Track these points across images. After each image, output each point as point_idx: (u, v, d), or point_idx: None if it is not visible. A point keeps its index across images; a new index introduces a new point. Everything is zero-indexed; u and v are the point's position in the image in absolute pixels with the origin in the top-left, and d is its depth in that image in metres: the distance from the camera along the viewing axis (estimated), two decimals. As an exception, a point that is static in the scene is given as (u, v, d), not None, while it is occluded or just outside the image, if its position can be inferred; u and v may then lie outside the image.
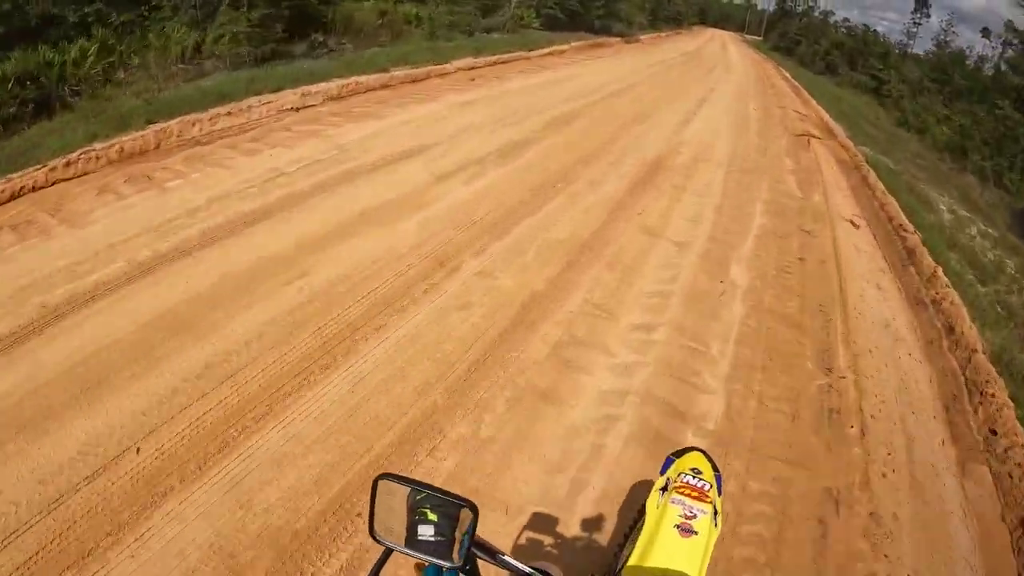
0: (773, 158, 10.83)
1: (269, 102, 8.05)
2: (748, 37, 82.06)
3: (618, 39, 27.04)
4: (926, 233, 7.35)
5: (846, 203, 8.70)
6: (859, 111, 20.81)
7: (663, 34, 41.40)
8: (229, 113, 7.36)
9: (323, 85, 9.14)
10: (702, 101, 16.07)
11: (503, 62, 15.30)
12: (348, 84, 9.63)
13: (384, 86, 10.45)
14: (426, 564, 0.91)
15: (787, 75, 28.82)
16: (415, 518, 0.90)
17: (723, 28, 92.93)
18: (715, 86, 19.49)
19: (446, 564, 0.89)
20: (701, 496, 1.06)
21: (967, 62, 39.20)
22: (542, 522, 2.62)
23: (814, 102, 19.39)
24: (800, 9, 73.83)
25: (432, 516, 0.90)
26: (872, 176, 10.28)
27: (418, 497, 0.91)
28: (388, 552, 0.93)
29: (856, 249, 6.84)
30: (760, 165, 9.90)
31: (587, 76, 16.11)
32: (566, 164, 7.84)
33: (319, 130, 7.64)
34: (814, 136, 13.81)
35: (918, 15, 62.34)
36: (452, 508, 0.90)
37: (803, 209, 7.87)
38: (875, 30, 39.33)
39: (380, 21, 15.04)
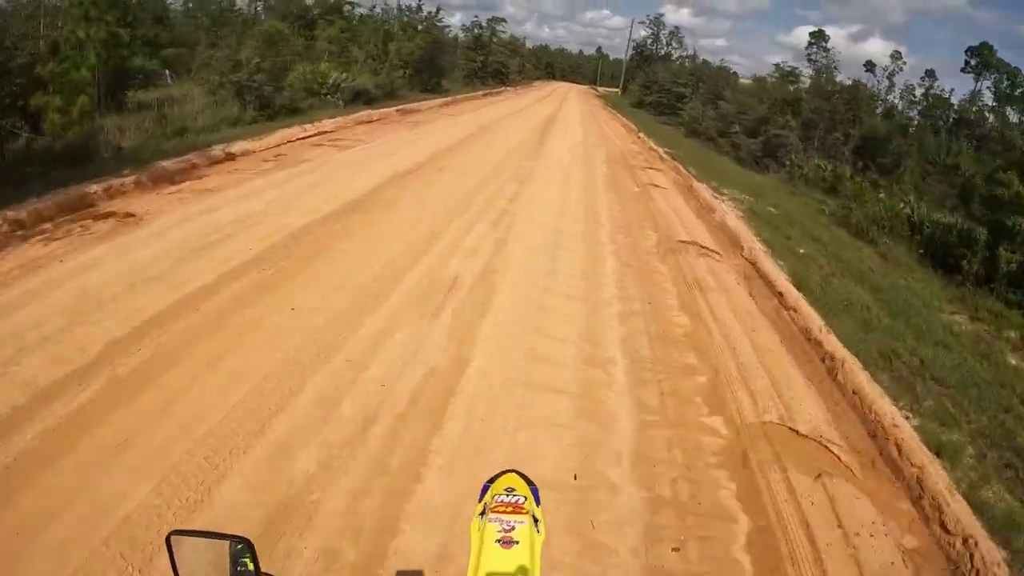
0: None
1: None
2: (601, 90, 66.03)
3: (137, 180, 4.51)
4: None
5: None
6: None
7: (449, 99, 20.54)
8: None
9: None
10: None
11: None
12: None
13: None
14: None
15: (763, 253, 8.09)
16: (238, 570, 0.92)
17: (573, 81, 77.14)
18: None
19: None
20: (516, 509, 1.06)
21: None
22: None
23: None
24: (662, 53, 58.29)
25: (251, 565, 0.92)
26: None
27: (238, 547, 0.93)
28: None
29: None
30: None
31: None
32: None
33: None
34: None
35: (814, 49, 47.41)
36: (238, 547, 0.93)
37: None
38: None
39: None
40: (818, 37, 48.13)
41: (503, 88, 35.41)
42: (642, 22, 54.38)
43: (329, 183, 6.59)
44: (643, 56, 56.96)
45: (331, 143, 9.55)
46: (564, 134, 15.90)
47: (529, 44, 78.40)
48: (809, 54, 46.06)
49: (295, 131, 10.11)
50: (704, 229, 7.62)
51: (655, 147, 15.99)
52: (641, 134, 19.16)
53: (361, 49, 19.45)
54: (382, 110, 14.25)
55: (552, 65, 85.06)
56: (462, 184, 7.55)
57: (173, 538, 0.91)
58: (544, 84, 62.26)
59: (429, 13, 31.65)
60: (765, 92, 20.88)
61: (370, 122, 12.69)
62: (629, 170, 11.33)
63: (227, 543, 0.92)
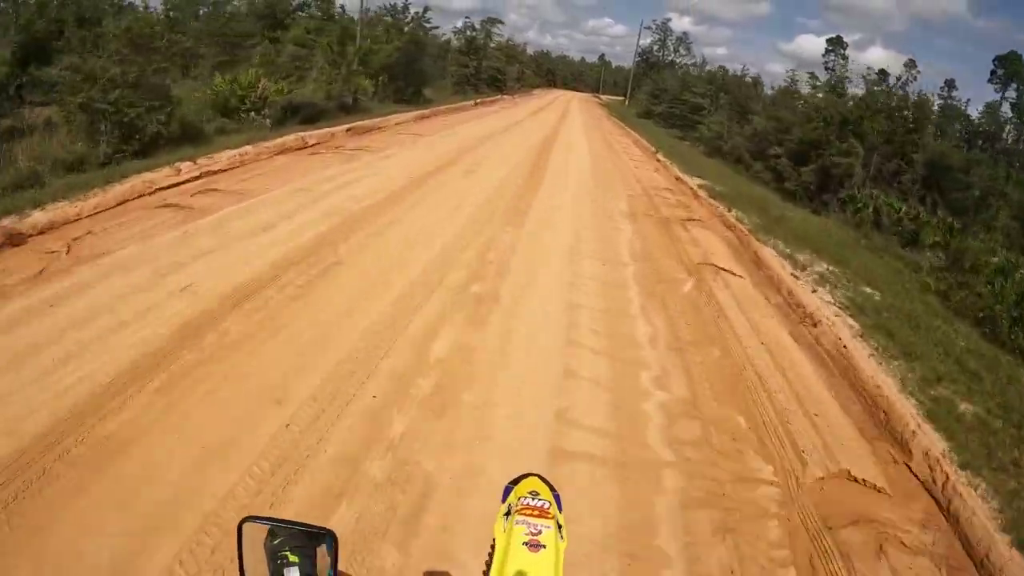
0: None
1: None
2: (604, 98, 63.32)
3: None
4: None
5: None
6: None
7: (427, 112, 17.09)
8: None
9: None
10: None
11: None
12: None
13: None
14: None
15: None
16: (277, 563, 0.82)
17: (575, 89, 73.79)
18: None
19: None
20: (543, 514, 1.03)
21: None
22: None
23: None
24: (669, 59, 54.70)
25: (293, 557, 0.83)
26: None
27: (275, 541, 0.83)
28: None
29: None
30: None
31: None
32: None
33: None
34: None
35: (832, 57, 44.11)
36: (313, 540, 0.84)
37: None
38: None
39: None
40: (836, 44, 44.69)
41: (499, 97, 31.90)
42: (648, 27, 50.66)
43: (48, 353, 3.01)
44: (649, 63, 53.43)
45: (195, 198, 5.95)
46: (566, 164, 12.32)
47: (530, 51, 75.46)
48: (826, 62, 42.60)
49: (162, 176, 6.57)
50: (821, 381, 4.06)
51: (683, 177, 12.45)
52: (660, 155, 15.64)
53: (324, 54, 16.01)
54: (326, 130, 10.70)
55: (553, 72, 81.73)
56: (351, 321, 3.80)
57: (246, 525, 0.83)
58: (545, 92, 58.94)
59: (416, 13, 28.41)
60: (813, 108, 17.31)
61: (299, 149, 9.12)
62: (665, 228, 7.69)
63: (313, 533, 0.83)
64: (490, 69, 34.91)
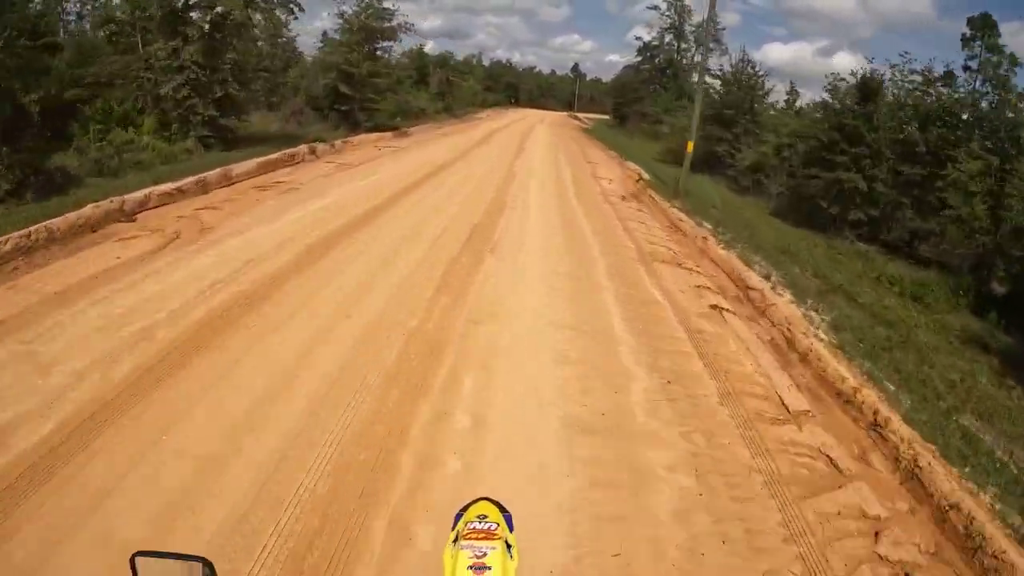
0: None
1: None
2: (583, 117, 45.37)
3: None
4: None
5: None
6: None
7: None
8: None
9: None
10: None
11: None
12: None
13: None
14: None
15: None
16: None
17: (543, 107, 55.25)
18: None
19: None
20: (488, 535, 1.08)
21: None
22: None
23: None
24: (692, 59, 35.88)
25: None
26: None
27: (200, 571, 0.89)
28: None
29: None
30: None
31: None
32: None
33: None
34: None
35: (977, 47, 25.13)
36: (194, 569, 0.88)
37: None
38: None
39: None
40: (984, 27, 24.27)
41: (292, 154, 10.88)
42: (654, 8, 31.06)
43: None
44: (658, 67, 34.45)
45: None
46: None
47: (486, 62, 56.84)
48: (972, 59, 23.04)
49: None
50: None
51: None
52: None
53: None
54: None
55: (516, 87, 62.67)
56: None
57: (138, 560, 0.87)
58: (499, 114, 40.08)
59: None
60: None
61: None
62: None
63: (189, 565, 0.88)
64: (367, 92, 15.23)
